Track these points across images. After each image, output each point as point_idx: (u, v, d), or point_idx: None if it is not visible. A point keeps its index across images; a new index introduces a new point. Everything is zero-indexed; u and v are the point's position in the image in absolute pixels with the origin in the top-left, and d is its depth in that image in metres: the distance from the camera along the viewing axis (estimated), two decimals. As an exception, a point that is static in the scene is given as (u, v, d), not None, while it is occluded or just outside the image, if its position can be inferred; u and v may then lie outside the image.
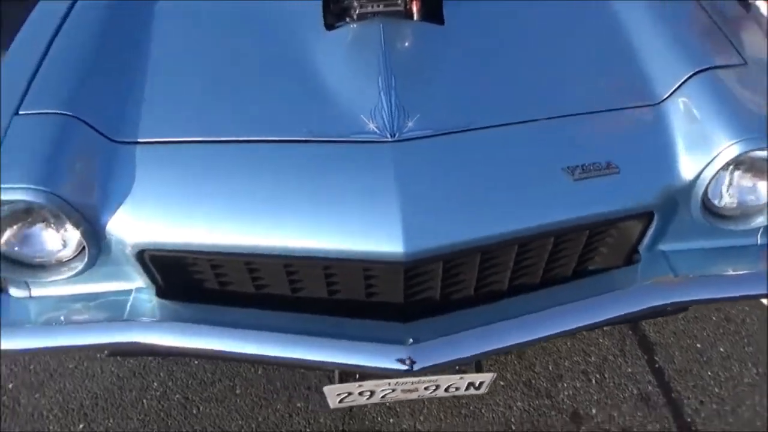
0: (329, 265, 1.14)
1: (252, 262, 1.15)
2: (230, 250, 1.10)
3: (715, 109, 1.13)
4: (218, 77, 1.26)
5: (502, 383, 1.66)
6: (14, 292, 1.24)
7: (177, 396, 1.67)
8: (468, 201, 1.07)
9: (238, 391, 1.67)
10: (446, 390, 1.24)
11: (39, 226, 1.14)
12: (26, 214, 1.12)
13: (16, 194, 1.02)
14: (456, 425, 1.58)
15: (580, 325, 1.15)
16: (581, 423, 1.58)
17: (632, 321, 1.45)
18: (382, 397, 1.24)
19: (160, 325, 1.17)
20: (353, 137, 1.12)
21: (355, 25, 1.29)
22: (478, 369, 1.22)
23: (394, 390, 1.21)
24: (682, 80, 1.18)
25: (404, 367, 1.08)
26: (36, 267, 1.17)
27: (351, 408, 1.62)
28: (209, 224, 1.10)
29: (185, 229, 1.10)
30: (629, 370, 1.69)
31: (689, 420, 1.58)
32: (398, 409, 1.61)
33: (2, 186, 1.02)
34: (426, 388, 1.22)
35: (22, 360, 1.75)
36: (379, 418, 1.60)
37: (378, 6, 1.30)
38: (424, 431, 1.57)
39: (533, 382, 1.67)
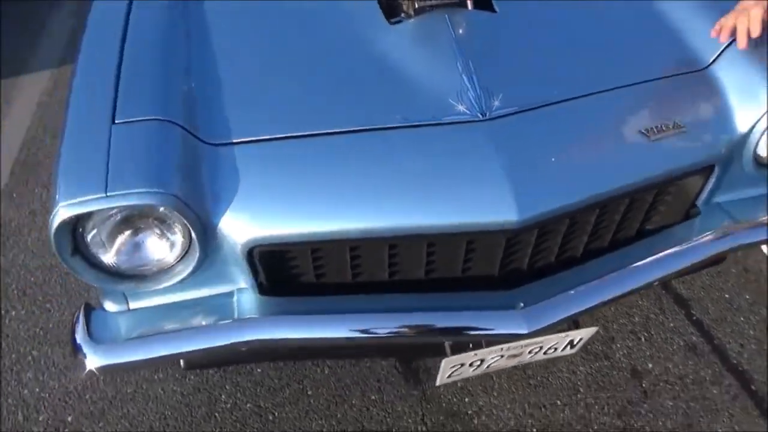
0: (432, 242, 1.19)
1: (357, 246, 1.19)
2: (340, 236, 1.13)
3: (758, 69, 1.26)
4: (294, 73, 1.29)
5: (560, 352, 1.74)
6: (111, 306, 1.23)
7: (248, 405, 1.65)
8: (565, 168, 1.15)
9: (309, 392, 1.67)
10: (545, 352, 1.31)
11: (143, 234, 1.13)
12: (130, 224, 1.12)
13: (137, 199, 1.02)
14: (528, 395, 1.65)
15: (668, 273, 1.26)
16: (642, 377, 1.69)
17: (702, 269, 1.56)
18: (487, 366, 1.30)
19: (281, 320, 1.19)
20: (446, 119, 1.18)
21: (419, 18, 1.35)
22: (576, 327, 1.30)
23: (502, 356, 1.27)
24: (724, 46, 1.31)
25: (524, 330, 1.15)
26: (137, 277, 1.17)
27: (425, 393, 1.66)
28: (318, 213, 1.12)
29: (296, 221, 1.12)
30: (671, 325, 1.82)
31: (735, 362, 1.72)
32: (470, 388, 1.67)
33: (122, 192, 1.02)
34: (530, 352, 1.29)
35: (75, 391, 1.69)
36: (454, 399, 1.64)
37: (436, -1, 1.38)
38: (500, 405, 1.63)
39: (589, 347, 1.76)
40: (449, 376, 1.30)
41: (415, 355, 1.68)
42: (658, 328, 1.81)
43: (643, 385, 1.67)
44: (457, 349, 1.24)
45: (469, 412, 1.62)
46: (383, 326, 1.19)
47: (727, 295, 1.90)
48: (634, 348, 1.76)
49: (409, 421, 1.60)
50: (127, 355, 1.16)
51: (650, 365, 1.72)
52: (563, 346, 1.31)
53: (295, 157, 1.16)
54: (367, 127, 1.18)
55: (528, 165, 1.13)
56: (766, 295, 1.89)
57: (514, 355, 1.28)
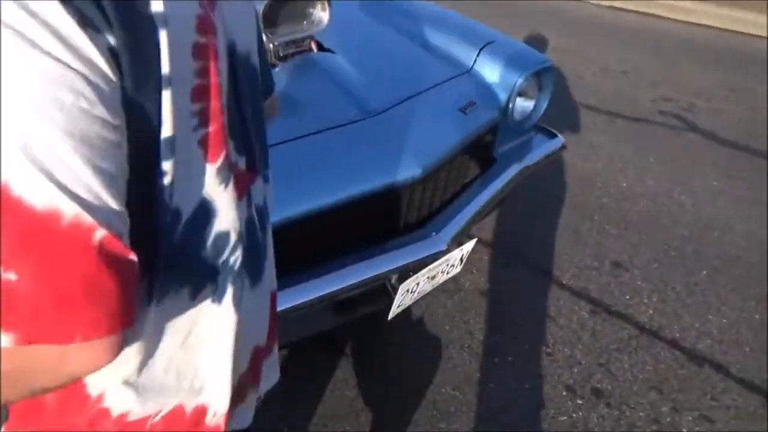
0: (369, 203, 1.61)
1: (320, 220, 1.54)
2: (295, 217, 1.48)
3: (500, 64, 2.05)
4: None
5: (430, 297, 2.30)
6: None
7: None
8: (430, 137, 1.72)
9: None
10: (448, 271, 1.84)
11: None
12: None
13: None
14: (431, 331, 2.15)
15: (496, 190, 1.92)
16: (488, 294, 2.34)
17: (501, 202, 2.30)
18: (419, 292, 1.76)
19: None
20: (347, 121, 1.64)
21: (289, 62, 1.79)
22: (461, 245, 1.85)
23: (428, 278, 1.74)
24: (476, 55, 2.08)
25: (443, 247, 1.65)
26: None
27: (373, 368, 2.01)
28: (277, 205, 1.46)
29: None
30: (486, 258, 2.54)
31: (532, 264, 2.51)
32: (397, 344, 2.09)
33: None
34: (442, 272, 1.79)
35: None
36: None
37: (293, 48, 1.84)
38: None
39: (446, 287, 2.35)
40: (399, 306, 1.72)
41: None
42: (479, 263, 2.51)
43: (491, 297, 2.33)
44: (401, 279, 1.67)
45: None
46: (352, 277, 1.56)
47: (508, 229, 2.73)
48: (473, 279, 2.42)
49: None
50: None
51: (488, 285, 2.39)
52: (457, 262, 1.85)
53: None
54: (294, 137, 1.57)
55: (412, 137, 1.67)
56: (530, 221, 2.78)
57: (433, 276, 1.78)
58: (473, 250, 2.51)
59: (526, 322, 2.23)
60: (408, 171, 1.60)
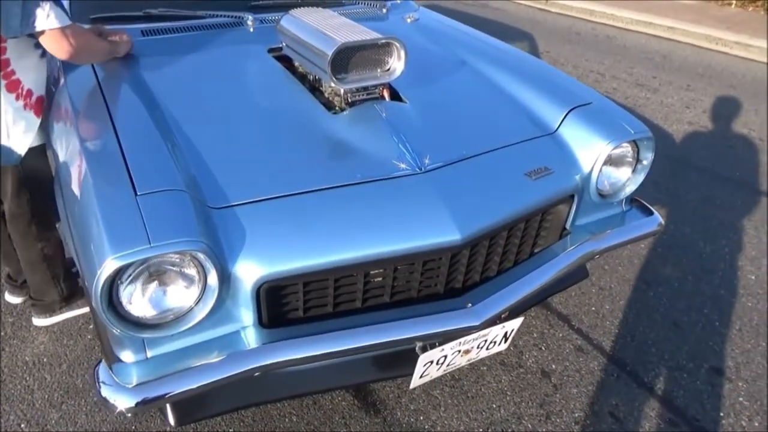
0: (396, 266, 1.53)
1: (338, 279, 1.50)
2: (325, 266, 1.43)
3: (589, 129, 1.86)
4: (265, 149, 1.62)
5: (484, 368, 2.12)
6: (128, 357, 1.38)
7: (229, 460, 1.77)
8: (482, 201, 1.59)
9: (284, 439, 1.84)
10: (488, 347, 1.68)
11: (165, 285, 1.35)
12: (155, 277, 1.33)
13: (175, 247, 1.25)
14: (468, 405, 1.98)
15: (559, 268, 1.72)
16: (550, 376, 2.11)
17: (574, 283, 2.05)
18: (448, 364, 1.63)
19: (284, 345, 1.42)
20: (394, 174, 1.58)
21: (352, 109, 1.78)
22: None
23: (459, 351, 1.61)
24: (563, 116, 1.91)
25: (476, 323, 1.51)
26: (159, 325, 1.36)
27: (385, 419, 1.91)
28: (307, 252, 1.42)
29: (291, 260, 1.40)
30: (560, 335, 2.29)
31: (612, 354, 2.22)
32: (422, 409, 1.96)
33: (163, 242, 1.25)
34: (478, 346, 1.64)
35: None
36: (411, 419, 1.92)
37: (363, 95, 1.83)
38: (448, 416, 1.94)
39: (505, 360, 2.16)
40: (421, 376, 1.60)
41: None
42: (551, 339, 2.27)
43: (553, 381, 2.09)
44: (424, 349, 1.56)
45: (426, 426, 1.90)
46: (366, 338, 1.48)
47: (593, 308, 2.45)
48: (539, 356, 2.19)
49: (378, 443, 1.84)
50: (155, 391, 1.32)
51: (553, 366, 2.15)
52: (500, 339, 1.69)
53: (284, 211, 1.46)
54: (336, 185, 1.54)
55: (459, 200, 1.56)
56: (616, 303, 2.47)
57: (467, 351, 1.63)
58: (549, 324, 2.32)
59: (586, 418, 1.97)
60: (446, 236, 1.49)
